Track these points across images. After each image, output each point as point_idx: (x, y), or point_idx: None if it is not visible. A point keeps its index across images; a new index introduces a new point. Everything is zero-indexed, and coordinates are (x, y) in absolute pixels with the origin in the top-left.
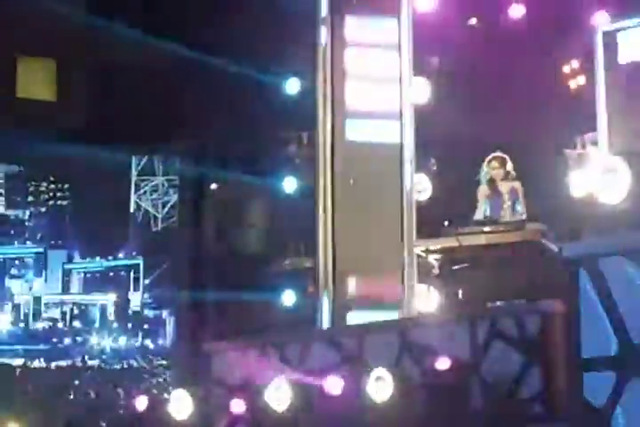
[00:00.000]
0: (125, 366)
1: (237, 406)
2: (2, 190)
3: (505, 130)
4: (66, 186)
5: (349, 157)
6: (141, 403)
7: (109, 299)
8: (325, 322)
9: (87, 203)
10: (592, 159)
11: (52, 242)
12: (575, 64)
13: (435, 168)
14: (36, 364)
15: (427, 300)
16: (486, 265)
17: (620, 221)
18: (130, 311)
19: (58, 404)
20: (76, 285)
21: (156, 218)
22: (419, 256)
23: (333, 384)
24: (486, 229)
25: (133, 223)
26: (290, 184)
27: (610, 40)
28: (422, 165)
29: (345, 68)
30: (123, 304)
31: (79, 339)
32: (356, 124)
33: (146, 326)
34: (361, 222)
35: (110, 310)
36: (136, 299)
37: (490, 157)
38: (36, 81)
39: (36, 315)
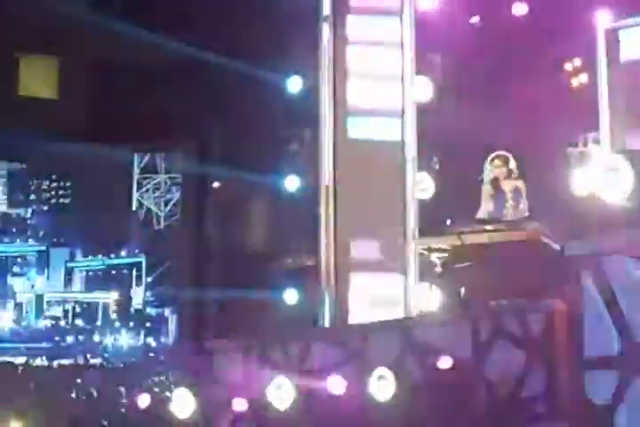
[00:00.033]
0: (127, 364)
1: (239, 404)
2: (4, 188)
3: (507, 128)
4: (68, 184)
5: (351, 155)
6: (143, 401)
7: (112, 297)
8: (327, 321)
9: (89, 201)
10: (594, 158)
11: (55, 240)
12: (577, 62)
13: (437, 167)
14: (38, 362)
15: (429, 298)
16: (488, 264)
17: (622, 220)
18: (132, 310)
19: (60, 402)
20: (78, 283)
21: (158, 216)
22: (421, 255)
23: (335, 383)
24: (488, 227)
25: (135, 221)
26: (292, 182)
27: (612, 38)
28: (424, 163)
29: (347, 67)
30: (125, 302)
31: (81, 337)
32: (358, 123)
33: (148, 325)
34: (363, 221)
35: (112, 308)
36: (138, 297)
37: (492, 155)
38: (37, 79)
39: (39, 313)
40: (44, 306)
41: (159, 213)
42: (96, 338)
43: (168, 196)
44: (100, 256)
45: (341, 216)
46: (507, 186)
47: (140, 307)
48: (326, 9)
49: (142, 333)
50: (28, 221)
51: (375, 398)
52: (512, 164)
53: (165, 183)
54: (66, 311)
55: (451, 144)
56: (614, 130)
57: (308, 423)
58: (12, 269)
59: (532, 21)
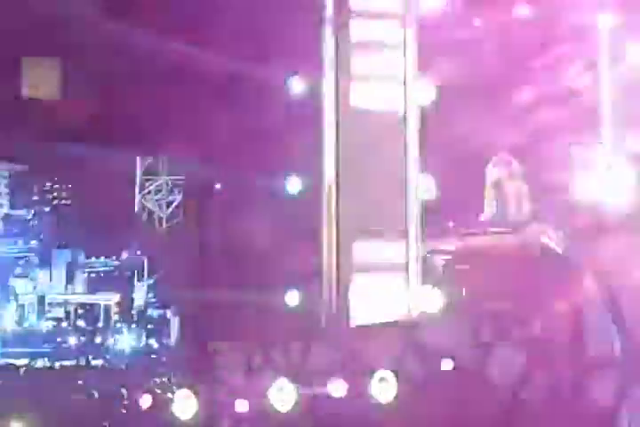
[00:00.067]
0: (129, 365)
1: (241, 406)
2: (6, 190)
3: (510, 130)
4: (70, 185)
5: (354, 155)
6: (145, 403)
7: (113, 299)
8: (329, 322)
9: (91, 202)
10: (597, 159)
11: (57, 241)
12: (579, 63)
13: (439, 169)
14: (39, 363)
15: (431, 300)
16: (491, 265)
17: (623, 221)
18: (134, 311)
19: (61, 404)
20: (80, 284)
21: (160, 218)
22: (423, 256)
23: (337, 385)
24: (491, 229)
25: (138, 223)
26: (294, 184)
27: (614, 40)
28: (428, 165)
29: (349, 68)
30: (127, 304)
31: (83, 339)
32: (361, 124)
33: (150, 326)
34: (366, 223)
35: (114, 309)
36: (140, 299)
37: (495, 157)
38: (40, 80)
39: (40, 315)
40: (46, 307)
41: (161, 215)
42: (98, 339)
43: (170, 198)
44: (102, 258)
45: (344, 217)
46: (509, 188)
47: (142, 308)
48: (329, 10)
49: (144, 334)
50: (30, 223)
51: (377, 400)
52: (514, 166)
53: (167, 185)
54: (68, 313)
55: (453, 146)
56: (616, 131)
57: (310, 425)
58: (13, 270)
59: (534, 23)
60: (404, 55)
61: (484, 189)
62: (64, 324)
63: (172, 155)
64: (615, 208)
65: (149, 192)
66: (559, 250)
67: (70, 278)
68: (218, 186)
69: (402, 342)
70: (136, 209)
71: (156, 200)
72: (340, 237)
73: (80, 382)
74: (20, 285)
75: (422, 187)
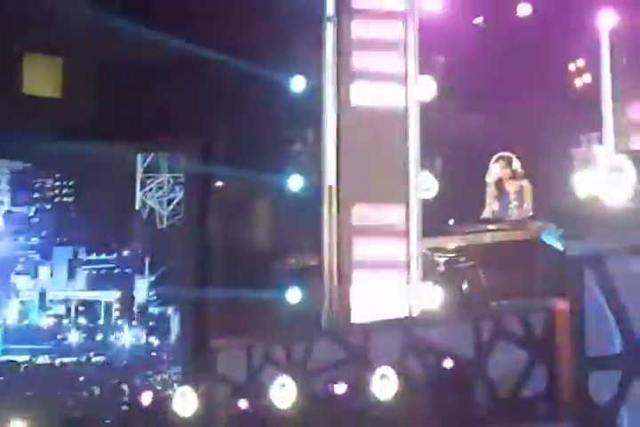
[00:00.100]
0: (130, 362)
1: (242, 403)
2: (7, 187)
3: (511, 129)
4: (71, 183)
5: (355, 154)
6: (146, 400)
7: (114, 296)
8: (330, 320)
9: (93, 200)
10: (598, 158)
11: (58, 239)
12: (581, 63)
13: (440, 167)
14: (41, 360)
15: (431, 298)
16: (491, 263)
17: (625, 220)
18: (135, 308)
19: (62, 400)
20: (81, 281)
21: (161, 215)
22: (424, 254)
23: (338, 382)
24: (491, 227)
25: (139, 220)
26: (295, 182)
27: (616, 39)
28: (428, 163)
29: (351, 66)
30: (128, 301)
31: (84, 335)
32: (362, 122)
33: (151, 323)
34: (365, 219)
35: (115, 306)
36: (141, 296)
37: (496, 156)
38: (41, 78)
39: (42, 311)
40: (47, 304)
41: (162, 213)
42: (99, 336)
43: (171, 195)
44: (103, 255)
45: (344, 216)
46: (511, 187)
47: (143, 306)
48: (330, 9)
49: (145, 331)
50: (32, 220)
51: (377, 397)
52: (516, 164)
53: (168, 183)
54: (69, 310)
55: (454, 144)
56: (617, 130)
57: (311, 423)
58: (15, 267)
59: (535, 22)
60: (405, 53)
61: (486, 189)
62: (65, 321)
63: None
64: (617, 207)
65: (150, 189)
66: (560, 248)
67: (71, 275)
68: (219, 183)
69: (402, 340)
70: (137, 206)
71: (158, 197)
72: (341, 235)
73: (81, 378)
74: (21, 281)
75: (423, 184)
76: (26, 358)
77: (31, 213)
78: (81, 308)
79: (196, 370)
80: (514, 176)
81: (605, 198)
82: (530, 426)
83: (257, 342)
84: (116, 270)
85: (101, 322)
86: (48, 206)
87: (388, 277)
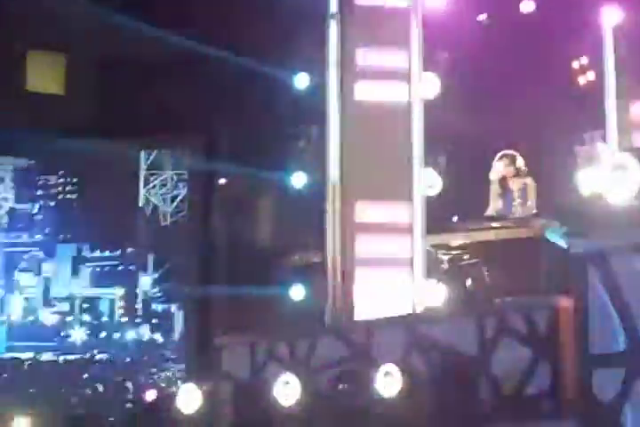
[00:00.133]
0: (134, 359)
1: (245, 400)
2: (11, 184)
3: (514, 126)
4: (75, 180)
5: (359, 152)
6: (150, 397)
7: (118, 293)
8: (333, 317)
9: (96, 197)
10: (602, 156)
11: (62, 236)
12: (584, 60)
13: (444, 164)
14: (44, 357)
15: (435, 295)
16: (495, 261)
17: (629, 218)
18: (138, 305)
19: (66, 398)
20: (85, 278)
21: (164, 212)
22: (428, 251)
23: (341, 380)
24: (495, 224)
25: (142, 217)
26: (299, 179)
27: (619, 36)
28: (432, 160)
29: (354, 64)
30: (131, 298)
31: (88, 332)
32: (366, 119)
33: (155, 321)
34: (369, 216)
35: (119, 303)
36: (145, 293)
37: (500, 154)
38: (45, 75)
39: (45, 309)
40: (51, 301)
41: (166, 210)
42: (103, 334)
43: (175, 192)
44: (106, 252)
45: (348, 213)
46: (514, 184)
47: (147, 303)
48: (333, 6)
49: (149, 328)
50: (35, 217)
51: (381, 395)
52: (519, 162)
53: (172, 180)
54: (72, 307)
55: (458, 141)
56: (621, 127)
57: (315, 420)
58: (18, 264)
59: (539, 19)
60: (409, 50)
61: (490, 186)
62: (69, 318)
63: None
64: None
65: (154, 186)
66: (564, 246)
67: (75, 272)
68: (222, 180)
69: (406, 337)
70: (140, 203)
71: (161, 195)
72: (345, 232)
73: (85, 375)
74: (24, 278)
75: (427, 182)
76: (30, 355)
77: (35, 211)
78: (85, 305)
79: (200, 367)
80: (517, 174)
81: (609, 196)
82: (533, 423)
83: (260, 339)
84: (120, 267)
85: (105, 319)
86: (52, 204)
87: (392, 275)
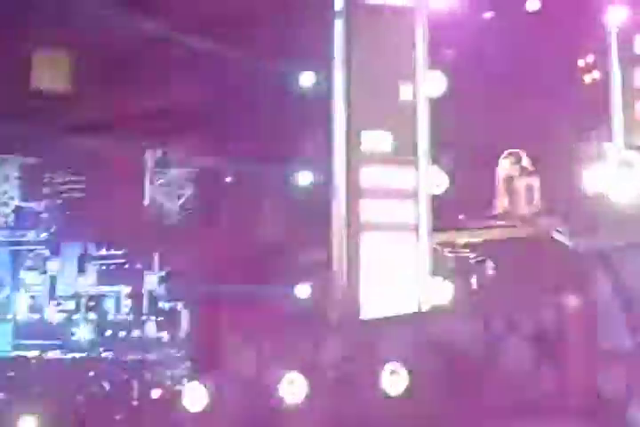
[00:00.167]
0: (140, 358)
1: (252, 398)
2: (17, 182)
3: (520, 125)
4: (81, 178)
5: (365, 150)
6: (156, 395)
7: (124, 291)
8: (340, 316)
9: (102, 195)
10: (607, 154)
11: (67, 234)
12: (590, 58)
13: (450, 162)
14: (50, 355)
15: (441, 293)
16: (501, 259)
17: (634, 216)
18: (144, 304)
19: (72, 396)
20: (90, 276)
21: (171, 211)
22: (434, 249)
23: (347, 377)
24: (501, 223)
25: (149, 215)
26: (305, 176)
27: (625, 34)
28: (438, 158)
29: (360, 61)
30: (137, 296)
31: (94, 331)
32: (372, 118)
33: (160, 318)
34: (376, 216)
35: (125, 302)
36: (151, 291)
37: (506, 153)
38: (51, 73)
39: (51, 307)
40: (57, 300)
41: (172, 208)
42: (108, 332)
43: (181, 190)
44: (112, 250)
45: (354, 211)
46: (520, 183)
47: (153, 301)
48: (339, 4)
49: (155, 327)
50: (41, 215)
51: (388, 393)
52: (525, 161)
53: (179, 178)
54: (78, 305)
55: (464, 140)
56: (627, 126)
57: (321, 417)
58: (24, 262)
59: (544, 17)
60: (414, 48)
61: (496, 185)
62: (75, 316)
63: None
64: (627, 203)
65: (160, 185)
66: (570, 244)
67: (81, 271)
68: (229, 178)
69: (413, 335)
70: (146, 202)
71: (167, 193)
72: (351, 230)
73: (91, 374)
74: (30, 277)
75: (433, 180)
76: (35, 353)
77: (40, 209)
78: (90, 303)
79: (206, 366)
80: (523, 173)
81: (615, 194)
82: (540, 422)
83: (266, 338)
84: (126, 266)
85: (111, 317)
86: (58, 202)
87: (398, 273)
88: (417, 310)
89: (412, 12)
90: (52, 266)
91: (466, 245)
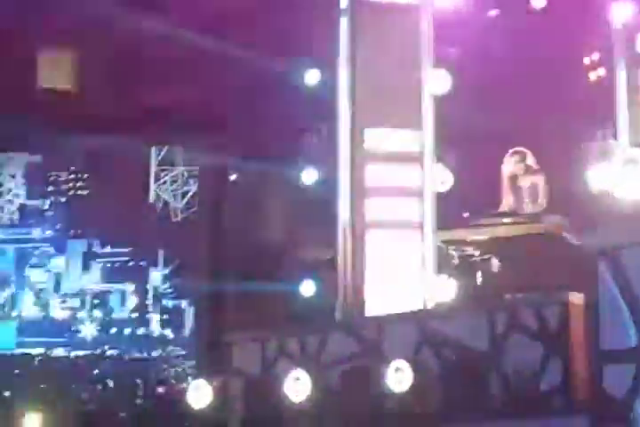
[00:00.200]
0: (144, 355)
1: (256, 396)
2: (22, 180)
3: (525, 123)
4: (86, 176)
5: (369, 148)
6: (160, 392)
7: (129, 288)
8: (344, 313)
9: (107, 193)
10: (613, 152)
11: (72, 232)
12: (595, 56)
13: (455, 160)
14: (55, 353)
15: (446, 291)
16: (506, 257)
17: (639, 213)
18: (149, 301)
19: (77, 393)
20: (95, 274)
21: (175, 208)
22: (439, 247)
23: (352, 375)
24: (506, 220)
25: (153, 213)
26: (310, 175)
27: (629, 32)
28: (443, 156)
29: (365, 59)
30: (142, 294)
31: (98, 328)
32: (376, 115)
33: (165, 316)
34: (381, 214)
35: (130, 299)
36: (155, 289)
37: (511, 151)
38: (56, 71)
39: (56, 304)
40: (62, 297)
41: (176, 206)
42: (113, 329)
43: (185, 188)
44: (117, 248)
45: (358, 208)
46: (525, 182)
47: (158, 299)
48: (344, 2)
49: (159, 324)
50: (47, 213)
51: (392, 390)
52: (530, 159)
53: (183, 176)
54: (83, 302)
55: (469, 138)
56: (632, 123)
57: (325, 416)
58: (30, 260)
59: (550, 15)
60: (419, 45)
61: (500, 181)
62: (80, 314)
63: (188, 145)
64: (632, 200)
65: (165, 182)
66: (575, 241)
67: (86, 268)
68: (233, 176)
69: (417, 333)
70: (151, 199)
71: (172, 190)
72: (356, 228)
73: (95, 371)
74: (35, 274)
75: (438, 178)
76: (40, 350)
77: (46, 207)
78: (95, 301)
79: (211, 363)
80: (528, 171)
81: (620, 191)
82: (544, 420)
83: (271, 336)
84: (131, 263)
85: (116, 315)
86: (62, 200)
87: (403, 270)
88: (422, 308)
89: (417, 10)
90: (57, 263)
91: (471, 243)
